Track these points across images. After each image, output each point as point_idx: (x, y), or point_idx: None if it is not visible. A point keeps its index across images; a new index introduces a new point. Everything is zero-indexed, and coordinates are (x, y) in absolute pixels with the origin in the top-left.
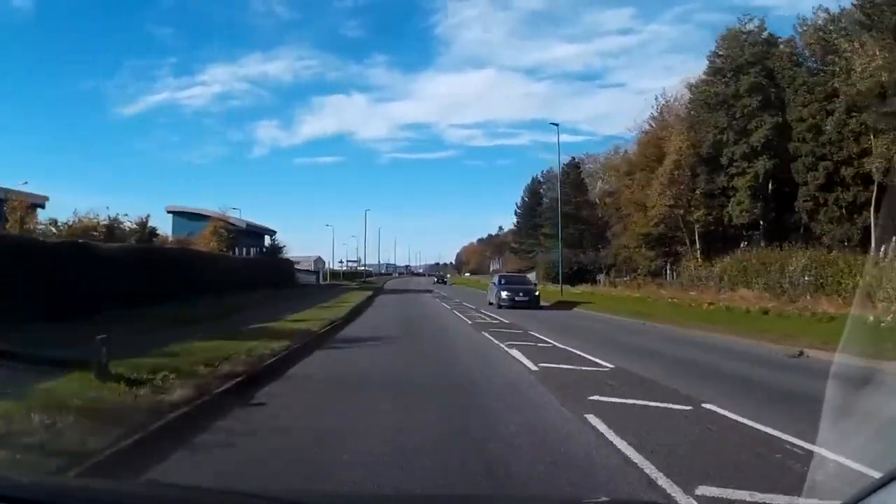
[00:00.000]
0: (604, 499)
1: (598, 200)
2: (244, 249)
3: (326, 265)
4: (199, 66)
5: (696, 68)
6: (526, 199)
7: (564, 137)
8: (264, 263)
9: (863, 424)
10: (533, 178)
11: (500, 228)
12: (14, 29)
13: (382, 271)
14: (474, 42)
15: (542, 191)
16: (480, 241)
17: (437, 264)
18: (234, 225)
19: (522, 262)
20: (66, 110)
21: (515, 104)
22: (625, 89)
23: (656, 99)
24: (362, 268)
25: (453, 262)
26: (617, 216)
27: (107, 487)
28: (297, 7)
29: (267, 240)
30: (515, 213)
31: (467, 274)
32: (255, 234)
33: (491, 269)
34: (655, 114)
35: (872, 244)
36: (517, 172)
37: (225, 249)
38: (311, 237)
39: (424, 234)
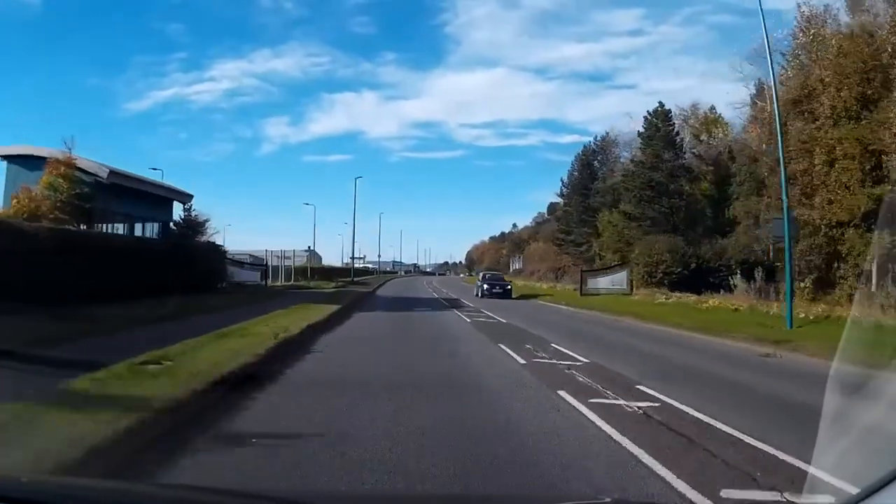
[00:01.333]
0: (607, 499)
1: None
2: (133, 224)
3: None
4: (208, 61)
5: (706, 70)
6: (576, 173)
7: (573, 138)
8: (159, 250)
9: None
10: (584, 148)
11: (515, 226)
12: (22, 25)
13: (388, 269)
14: (484, 41)
15: (596, 163)
16: (493, 238)
17: (446, 263)
18: (90, 175)
19: (571, 257)
20: (74, 106)
21: (524, 104)
22: (635, 91)
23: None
24: (367, 265)
25: (462, 262)
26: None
27: (107, 487)
28: (305, 3)
29: (178, 212)
30: (561, 194)
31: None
32: (147, 198)
33: (511, 267)
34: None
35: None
36: (526, 173)
37: (75, 222)
38: (327, 235)
39: (432, 234)
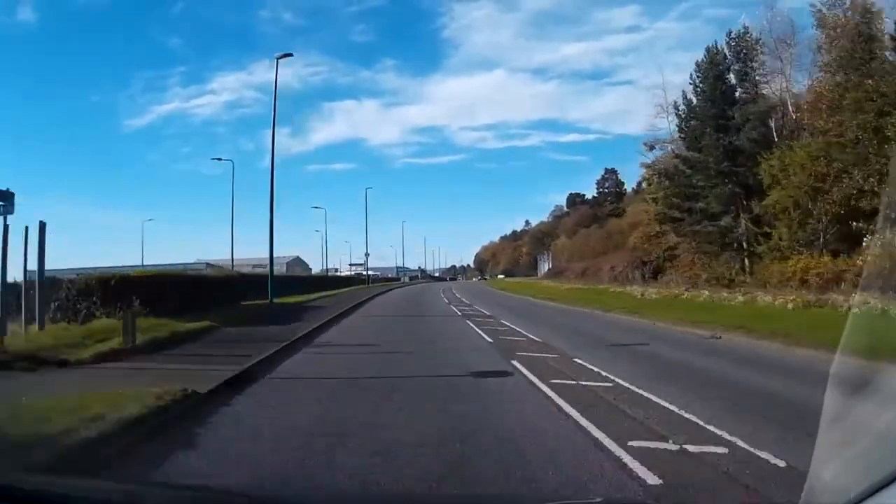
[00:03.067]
0: (597, 499)
1: None
2: None
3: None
4: (209, 74)
5: None
6: (700, 86)
7: (573, 137)
8: None
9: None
10: (707, 50)
11: (528, 223)
12: (20, 43)
13: (390, 276)
14: (482, 44)
15: (732, 70)
16: (504, 238)
17: (454, 267)
18: None
19: (691, 241)
20: (77, 123)
21: (525, 105)
22: (634, 87)
23: None
24: (370, 272)
25: (470, 265)
26: None
27: (107, 487)
28: (303, 14)
29: None
30: (650, 147)
31: (501, 275)
32: None
33: (541, 268)
34: None
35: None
36: (530, 173)
37: None
38: (332, 242)
39: (437, 238)
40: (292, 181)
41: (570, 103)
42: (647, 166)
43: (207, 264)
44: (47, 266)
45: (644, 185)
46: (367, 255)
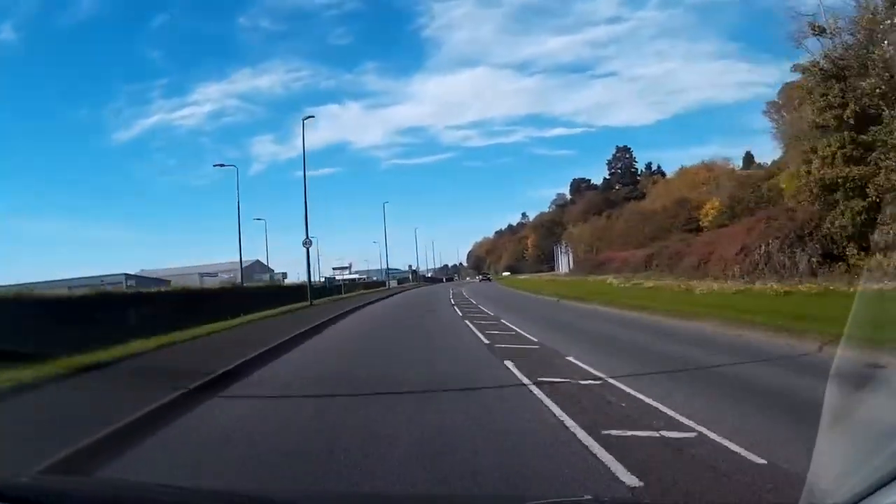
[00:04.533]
0: (587, 497)
1: None
2: None
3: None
4: (191, 85)
5: (688, 52)
6: None
7: (559, 131)
8: None
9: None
10: None
11: (525, 215)
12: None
13: (377, 278)
14: (464, 41)
15: None
16: (499, 233)
17: (447, 266)
18: None
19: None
20: (63, 140)
21: (509, 101)
22: (618, 78)
23: None
24: (354, 276)
25: (463, 263)
26: None
27: (106, 488)
28: (282, 19)
29: None
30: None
31: (506, 273)
32: None
33: (560, 262)
34: None
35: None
36: (515, 170)
37: None
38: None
39: (427, 238)
40: (280, 188)
41: (555, 97)
42: (808, 67)
43: (127, 275)
44: None
45: (800, 100)
46: (307, 243)
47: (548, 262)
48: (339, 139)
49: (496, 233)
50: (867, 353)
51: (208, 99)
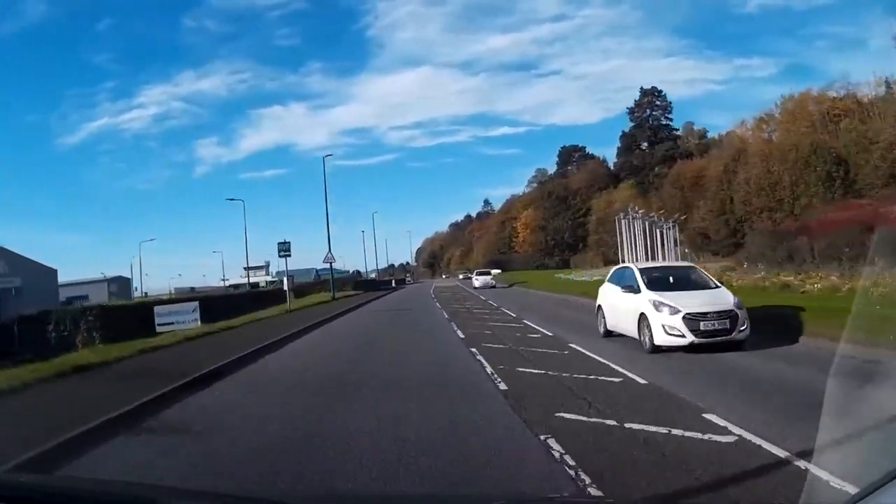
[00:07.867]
0: (583, 497)
1: None
2: None
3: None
4: (136, 88)
5: (636, 50)
6: None
7: (504, 130)
8: None
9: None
10: None
11: (487, 202)
12: None
13: (310, 279)
14: (408, 41)
15: None
16: (455, 225)
17: (392, 266)
18: None
19: None
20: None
21: (454, 101)
22: (562, 76)
23: None
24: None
25: (411, 262)
26: None
27: (106, 488)
28: (227, 21)
29: None
30: None
31: (495, 270)
32: None
33: (627, 252)
34: None
35: None
36: (460, 170)
37: None
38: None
39: (370, 239)
40: (222, 191)
41: (500, 96)
42: None
43: None
44: None
45: None
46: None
47: (560, 252)
48: (284, 141)
49: (451, 225)
50: None
51: (153, 101)
